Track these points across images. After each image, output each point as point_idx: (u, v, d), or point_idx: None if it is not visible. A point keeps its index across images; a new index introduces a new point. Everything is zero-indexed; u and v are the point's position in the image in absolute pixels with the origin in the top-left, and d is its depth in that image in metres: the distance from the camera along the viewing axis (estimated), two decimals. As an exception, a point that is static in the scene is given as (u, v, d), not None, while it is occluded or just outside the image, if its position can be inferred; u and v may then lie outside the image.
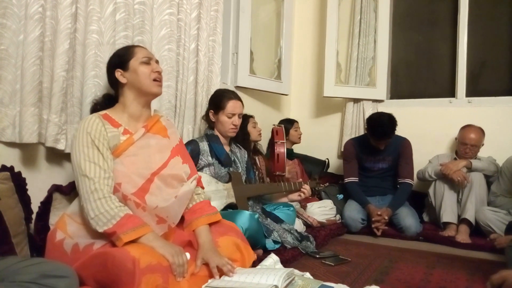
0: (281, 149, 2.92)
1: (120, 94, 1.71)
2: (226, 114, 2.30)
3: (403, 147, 3.09)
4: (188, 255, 1.47)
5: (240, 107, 2.35)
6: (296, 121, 3.52)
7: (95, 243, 1.42)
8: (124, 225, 1.39)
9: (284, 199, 2.67)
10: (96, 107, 1.76)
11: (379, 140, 2.99)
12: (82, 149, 1.51)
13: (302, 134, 3.50)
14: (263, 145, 3.28)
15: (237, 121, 2.33)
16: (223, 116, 2.30)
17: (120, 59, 1.70)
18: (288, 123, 3.41)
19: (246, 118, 2.86)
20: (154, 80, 1.68)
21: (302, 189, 2.60)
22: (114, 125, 1.61)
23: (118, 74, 1.68)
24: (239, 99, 2.37)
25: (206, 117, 2.42)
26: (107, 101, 1.76)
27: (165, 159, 1.67)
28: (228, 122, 2.30)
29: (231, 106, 2.30)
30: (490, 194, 2.85)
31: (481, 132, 3.02)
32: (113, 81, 1.72)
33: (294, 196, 2.64)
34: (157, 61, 1.74)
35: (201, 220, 1.66)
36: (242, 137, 2.72)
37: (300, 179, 3.00)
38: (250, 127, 2.85)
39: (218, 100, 2.34)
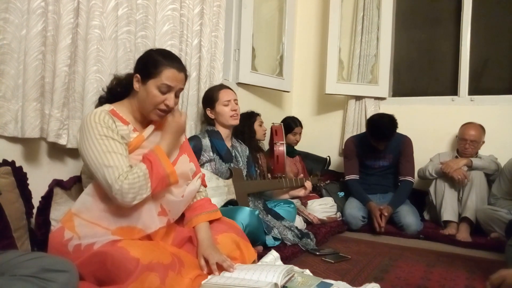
0: (280, 151, 2.85)
1: (130, 94, 1.63)
2: (222, 103, 2.32)
3: (404, 145, 3.09)
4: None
5: (233, 94, 2.38)
6: (299, 126, 3.38)
7: (96, 243, 1.40)
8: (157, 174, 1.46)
9: (285, 196, 2.68)
10: (114, 91, 1.68)
11: (378, 142, 3.00)
12: (100, 141, 1.44)
13: (299, 141, 3.42)
14: (264, 142, 3.27)
15: (235, 106, 2.35)
16: (219, 107, 2.33)
17: (144, 68, 1.56)
18: (289, 127, 3.28)
19: (253, 116, 2.87)
20: (160, 109, 1.57)
21: (305, 184, 2.63)
22: (123, 122, 1.57)
23: (135, 79, 1.57)
24: (229, 87, 2.42)
25: (205, 118, 2.45)
26: (122, 88, 1.67)
27: (175, 156, 1.66)
28: (227, 110, 2.32)
29: (223, 94, 2.34)
30: (491, 196, 2.85)
31: (481, 129, 3.02)
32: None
33: (296, 192, 2.65)
34: (179, 90, 1.59)
35: (201, 217, 1.66)
36: (249, 135, 2.73)
37: (301, 175, 3.00)
38: (256, 125, 2.85)
39: (210, 95, 2.38)
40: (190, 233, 1.62)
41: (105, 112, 1.53)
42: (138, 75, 1.56)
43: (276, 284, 1.37)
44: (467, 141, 2.97)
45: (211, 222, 1.70)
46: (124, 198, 1.40)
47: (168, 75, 1.53)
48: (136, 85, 1.57)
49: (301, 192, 2.69)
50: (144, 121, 1.65)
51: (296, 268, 1.65)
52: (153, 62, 1.54)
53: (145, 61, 1.58)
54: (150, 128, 1.62)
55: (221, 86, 2.41)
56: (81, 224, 1.48)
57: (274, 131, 2.95)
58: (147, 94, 1.54)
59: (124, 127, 1.55)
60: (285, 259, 1.96)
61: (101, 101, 1.67)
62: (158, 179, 1.46)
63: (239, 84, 3.15)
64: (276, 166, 2.84)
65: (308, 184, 2.67)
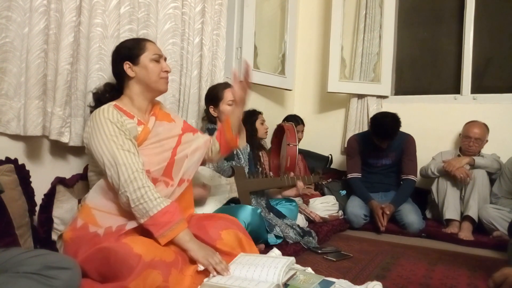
0: (293, 152, 2.76)
1: (126, 87, 1.68)
2: (227, 102, 2.31)
3: (407, 144, 3.08)
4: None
5: None
6: (301, 124, 3.37)
7: (128, 224, 1.45)
8: (163, 226, 1.43)
9: (278, 196, 2.66)
10: (102, 97, 1.71)
11: (381, 141, 2.99)
12: (111, 139, 1.49)
13: (301, 139, 3.38)
14: (266, 140, 3.26)
15: None
16: (223, 106, 2.32)
17: (130, 52, 1.65)
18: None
19: (255, 114, 2.84)
20: (163, 77, 1.68)
21: (297, 184, 2.61)
22: (129, 116, 1.61)
23: (127, 66, 1.64)
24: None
25: (207, 116, 2.44)
26: (111, 91, 1.72)
27: (177, 138, 1.71)
28: (230, 110, 2.30)
29: (228, 93, 2.31)
30: (492, 196, 2.84)
31: (485, 127, 3.01)
32: (118, 72, 1.68)
33: (288, 192, 2.64)
34: (165, 59, 1.73)
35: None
36: (250, 133, 2.71)
37: (292, 174, 2.96)
38: (258, 124, 2.84)
39: (215, 93, 2.36)
40: (193, 231, 1.62)
41: (112, 107, 1.58)
42: (127, 62, 1.64)
43: (278, 285, 1.37)
44: (471, 139, 2.96)
45: (209, 221, 1.68)
46: (126, 203, 1.45)
47: (151, 47, 1.68)
48: (130, 72, 1.64)
49: (293, 192, 2.67)
50: (147, 109, 1.71)
51: (298, 266, 1.66)
52: (134, 43, 1.68)
53: (127, 48, 1.67)
54: (152, 119, 1.68)
55: (226, 85, 2.38)
56: (103, 217, 1.50)
57: (286, 130, 2.88)
58: (146, 69, 1.64)
59: (130, 120, 1.60)
60: (287, 257, 1.96)
61: (91, 112, 1.66)
62: (160, 221, 1.44)
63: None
64: (287, 168, 2.78)
65: (300, 184, 2.63)
